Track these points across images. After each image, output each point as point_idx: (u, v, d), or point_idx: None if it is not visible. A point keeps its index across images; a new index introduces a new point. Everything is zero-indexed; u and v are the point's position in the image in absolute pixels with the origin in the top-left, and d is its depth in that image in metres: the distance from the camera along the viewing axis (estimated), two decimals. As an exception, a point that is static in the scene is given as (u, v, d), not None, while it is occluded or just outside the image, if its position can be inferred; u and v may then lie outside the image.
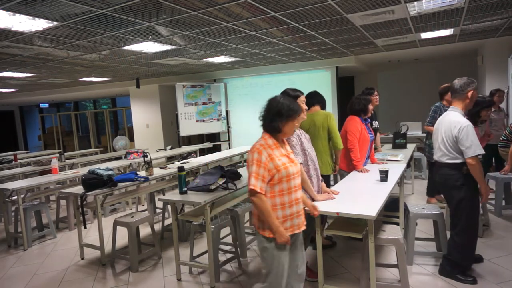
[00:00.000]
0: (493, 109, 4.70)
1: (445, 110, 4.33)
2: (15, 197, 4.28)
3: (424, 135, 4.86)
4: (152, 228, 3.68)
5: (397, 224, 3.67)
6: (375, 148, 4.60)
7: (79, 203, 3.55)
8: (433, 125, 4.31)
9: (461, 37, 6.00)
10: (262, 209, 1.99)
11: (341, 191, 2.79)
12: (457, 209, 2.78)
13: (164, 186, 4.75)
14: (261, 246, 2.10)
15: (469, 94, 2.72)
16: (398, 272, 2.82)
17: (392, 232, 2.70)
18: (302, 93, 2.67)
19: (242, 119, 8.88)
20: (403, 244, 2.64)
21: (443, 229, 3.10)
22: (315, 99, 3.52)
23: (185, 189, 3.13)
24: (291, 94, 2.60)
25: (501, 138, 4.34)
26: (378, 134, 4.69)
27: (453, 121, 2.69)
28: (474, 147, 2.57)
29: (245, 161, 7.10)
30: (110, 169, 3.77)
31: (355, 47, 6.31)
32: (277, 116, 2.03)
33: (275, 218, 2.01)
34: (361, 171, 3.53)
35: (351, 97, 3.91)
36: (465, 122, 2.62)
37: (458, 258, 2.81)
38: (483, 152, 2.60)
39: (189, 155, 6.02)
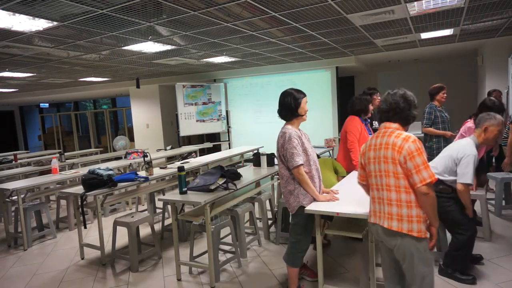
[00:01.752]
0: None
1: (439, 110, 4.35)
2: (15, 197, 4.28)
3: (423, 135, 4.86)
4: (152, 228, 3.68)
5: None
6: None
7: (79, 203, 3.55)
8: (430, 126, 4.33)
9: (461, 37, 6.00)
10: (435, 203, 1.85)
11: (341, 191, 2.79)
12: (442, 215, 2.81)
13: (164, 186, 4.75)
14: (414, 252, 1.86)
15: (483, 128, 2.76)
16: (398, 272, 2.82)
17: (392, 232, 2.70)
18: (305, 94, 2.67)
19: (242, 119, 8.88)
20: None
21: (443, 229, 3.10)
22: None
23: (185, 189, 3.13)
24: (295, 95, 2.60)
25: (503, 136, 4.35)
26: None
27: (462, 146, 2.75)
28: (467, 176, 2.64)
29: (245, 161, 7.10)
30: (110, 169, 3.77)
31: (355, 47, 6.32)
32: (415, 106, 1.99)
33: None
34: (361, 171, 3.53)
35: (351, 97, 3.91)
36: (472, 152, 2.68)
37: (458, 257, 2.82)
38: (472, 183, 2.67)
39: (189, 155, 6.02)
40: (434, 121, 4.32)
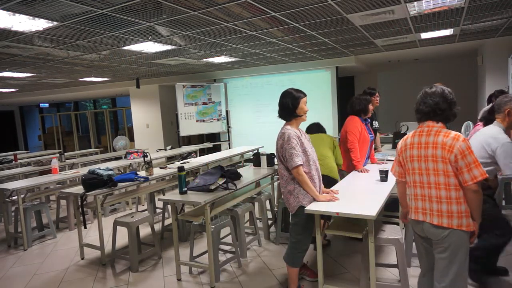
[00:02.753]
0: None
1: None
2: (15, 197, 4.28)
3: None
4: (152, 228, 3.68)
5: (397, 224, 3.67)
6: (375, 148, 4.60)
7: (79, 203, 3.55)
8: None
9: (461, 37, 6.00)
10: (482, 201, 1.90)
11: (341, 191, 2.79)
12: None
13: (164, 186, 4.75)
14: (460, 244, 1.91)
15: (506, 111, 2.56)
16: (398, 272, 2.83)
17: (392, 232, 2.70)
18: (305, 94, 2.66)
19: (242, 119, 8.88)
20: (403, 244, 2.64)
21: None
22: (320, 129, 3.64)
23: (185, 189, 3.13)
24: (294, 95, 2.60)
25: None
26: (378, 134, 4.69)
27: (495, 134, 2.52)
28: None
29: (245, 161, 7.10)
30: (110, 169, 3.77)
31: (355, 47, 6.31)
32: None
33: None
34: (361, 171, 3.53)
35: (351, 97, 3.91)
36: (506, 139, 2.47)
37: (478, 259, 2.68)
38: None
39: (189, 155, 6.02)
40: None
